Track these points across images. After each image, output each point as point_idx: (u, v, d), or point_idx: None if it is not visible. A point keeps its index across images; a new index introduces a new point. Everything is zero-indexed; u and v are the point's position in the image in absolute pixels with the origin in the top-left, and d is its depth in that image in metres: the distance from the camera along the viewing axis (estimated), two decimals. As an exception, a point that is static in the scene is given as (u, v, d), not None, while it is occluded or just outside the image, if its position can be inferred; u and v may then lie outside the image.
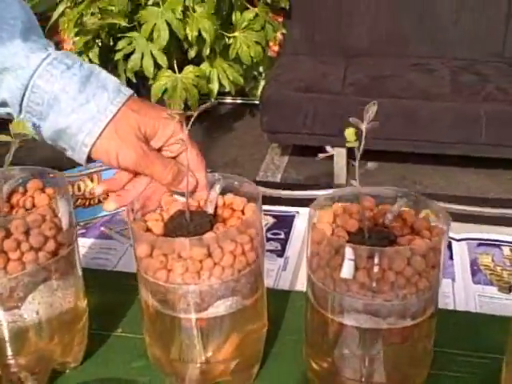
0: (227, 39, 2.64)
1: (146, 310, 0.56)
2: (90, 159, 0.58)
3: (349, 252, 0.48)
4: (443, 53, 2.65)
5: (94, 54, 2.58)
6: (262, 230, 0.55)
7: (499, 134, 2.28)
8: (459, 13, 2.61)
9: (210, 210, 0.56)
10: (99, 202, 0.94)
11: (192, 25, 2.40)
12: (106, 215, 0.92)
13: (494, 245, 0.82)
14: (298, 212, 0.91)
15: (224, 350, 0.56)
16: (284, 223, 0.88)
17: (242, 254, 0.52)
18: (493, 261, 0.79)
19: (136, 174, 0.59)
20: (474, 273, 0.77)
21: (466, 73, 2.47)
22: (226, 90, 2.67)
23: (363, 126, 0.48)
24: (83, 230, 0.89)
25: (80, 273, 0.60)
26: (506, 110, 2.24)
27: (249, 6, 2.64)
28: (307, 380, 0.59)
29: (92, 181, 0.96)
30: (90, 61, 2.56)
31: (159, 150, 0.59)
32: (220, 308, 0.53)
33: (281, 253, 0.82)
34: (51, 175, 0.58)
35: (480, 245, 0.83)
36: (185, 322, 0.54)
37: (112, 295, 0.73)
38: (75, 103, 0.55)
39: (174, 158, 0.59)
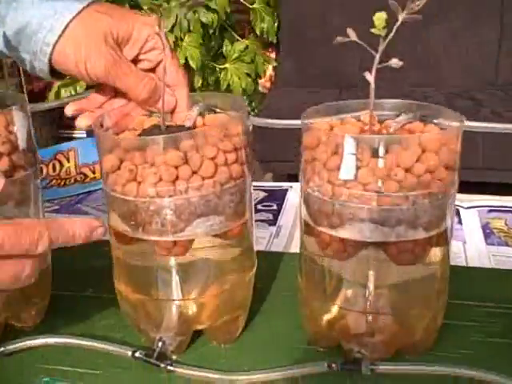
0: (218, 71, 2.63)
1: (116, 242, 0.49)
2: (55, 74, 0.51)
3: (349, 144, 0.41)
4: (437, 81, 2.63)
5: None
6: (248, 146, 0.48)
7: (497, 158, 2.23)
8: (451, 41, 2.60)
9: (189, 125, 0.49)
10: (75, 181, 0.87)
11: (180, 53, 2.38)
12: (81, 193, 0.84)
13: (506, 210, 0.75)
14: (291, 187, 0.84)
15: (206, 285, 0.48)
16: (276, 196, 0.81)
17: (224, 164, 0.45)
18: (506, 224, 0.72)
19: (114, 94, 0.53)
20: (486, 236, 0.70)
21: (461, 99, 2.44)
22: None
23: (401, 15, 0.41)
24: (57, 207, 0.81)
25: (41, 214, 0.52)
26: (502, 133, 2.20)
27: (239, 38, 2.63)
28: (301, 332, 0.51)
29: (68, 161, 0.89)
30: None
31: (135, 61, 0.52)
32: (199, 228, 0.45)
33: (273, 222, 0.75)
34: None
35: (491, 211, 0.75)
36: (159, 248, 0.46)
37: (84, 260, 0.65)
38: None
39: (152, 71, 0.52)
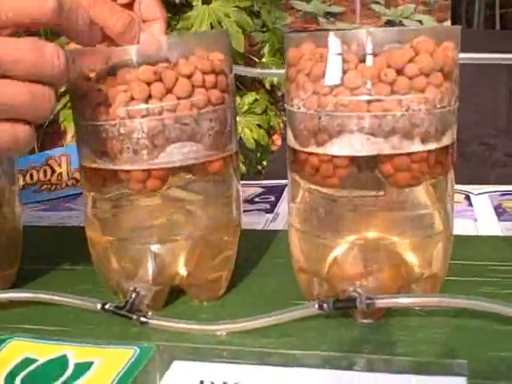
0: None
1: (87, 182, 0.45)
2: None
3: (334, 43, 0.37)
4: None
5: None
6: (230, 72, 0.44)
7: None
8: (463, 93, 2.61)
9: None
10: (66, 186, 0.84)
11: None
12: (70, 195, 0.81)
13: (519, 194, 0.70)
14: (290, 183, 0.80)
15: (183, 228, 0.44)
16: (274, 190, 0.77)
17: (202, 85, 0.41)
18: (520, 204, 0.67)
19: None
20: (499, 214, 0.65)
21: (473, 144, 2.42)
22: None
23: None
24: (45, 207, 0.78)
25: (11, 162, 0.49)
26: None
27: (247, 92, 2.65)
28: (293, 289, 0.46)
29: (60, 166, 0.86)
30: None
31: None
32: (174, 155, 0.41)
33: (270, 210, 0.70)
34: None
35: (503, 194, 0.70)
36: (132, 183, 0.42)
37: (61, 238, 0.61)
38: None
39: (129, 7, 0.49)
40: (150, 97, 0.40)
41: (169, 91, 0.40)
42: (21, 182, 0.83)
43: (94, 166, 0.43)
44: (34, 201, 0.80)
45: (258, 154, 2.85)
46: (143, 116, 0.40)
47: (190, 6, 2.01)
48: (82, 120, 0.42)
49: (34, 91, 0.36)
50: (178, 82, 0.40)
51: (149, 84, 0.40)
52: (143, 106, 0.40)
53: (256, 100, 2.63)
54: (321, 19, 2.88)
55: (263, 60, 2.58)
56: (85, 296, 0.45)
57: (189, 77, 0.41)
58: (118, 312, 0.43)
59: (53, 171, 0.85)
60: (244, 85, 2.58)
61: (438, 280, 0.43)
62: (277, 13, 2.49)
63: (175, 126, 0.40)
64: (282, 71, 0.44)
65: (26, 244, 0.53)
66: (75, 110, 0.43)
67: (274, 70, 0.55)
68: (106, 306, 0.43)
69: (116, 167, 0.41)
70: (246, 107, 2.63)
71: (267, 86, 2.67)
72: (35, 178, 0.85)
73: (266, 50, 2.53)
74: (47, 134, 2.98)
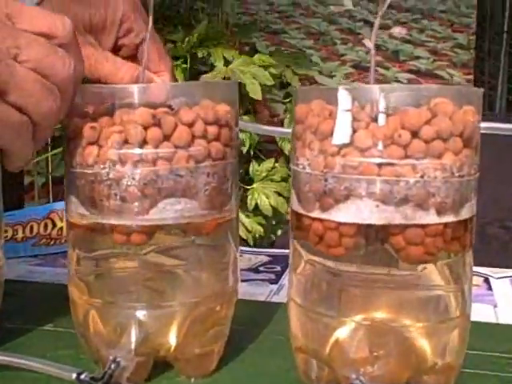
0: (245, 192, 2.61)
1: (72, 237, 0.41)
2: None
3: (343, 98, 0.34)
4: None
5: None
6: (235, 125, 0.41)
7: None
8: (484, 166, 2.58)
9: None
10: (66, 241, 0.80)
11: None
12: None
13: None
14: (298, 253, 0.76)
15: (172, 292, 0.40)
16: (281, 260, 0.73)
17: (202, 136, 0.38)
18: (544, 291, 0.62)
19: None
20: (521, 300, 0.60)
21: (492, 227, 2.36)
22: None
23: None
24: (40, 261, 0.74)
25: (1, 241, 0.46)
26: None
27: (264, 158, 2.63)
28: (291, 373, 0.41)
29: (62, 220, 0.83)
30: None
31: (115, 50, 0.47)
32: (166, 212, 0.38)
33: (274, 281, 0.66)
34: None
35: (525, 279, 0.66)
36: (117, 234, 0.38)
37: (48, 297, 0.57)
38: None
39: (133, 59, 0.47)
40: (145, 142, 0.37)
41: (166, 138, 0.37)
42: (20, 235, 0.80)
43: (80, 218, 0.39)
44: (31, 255, 0.77)
45: (274, 222, 2.82)
46: (136, 162, 0.37)
47: (212, 67, 2.03)
48: (70, 165, 0.39)
49: (44, 83, 0.35)
50: (177, 130, 0.37)
51: (146, 128, 0.37)
52: (137, 150, 0.37)
53: (274, 167, 2.62)
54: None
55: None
56: (63, 362, 0.41)
57: (189, 125, 0.38)
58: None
59: (54, 225, 0.82)
60: (262, 152, 2.57)
61: (453, 372, 0.38)
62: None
63: (169, 176, 0.37)
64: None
65: (12, 300, 0.49)
66: (66, 153, 0.40)
67: (282, 129, 0.52)
68: (82, 376, 0.39)
69: (104, 221, 0.38)
70: (264, 174, 2.61)
71: (286, 153, 2.66)
72: (35, 230, 0.81)
73: (286, 120, 2.54)
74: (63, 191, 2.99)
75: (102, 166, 0.37)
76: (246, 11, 2.73)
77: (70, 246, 0.42)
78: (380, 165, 0.34)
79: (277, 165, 2.66)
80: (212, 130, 0.38)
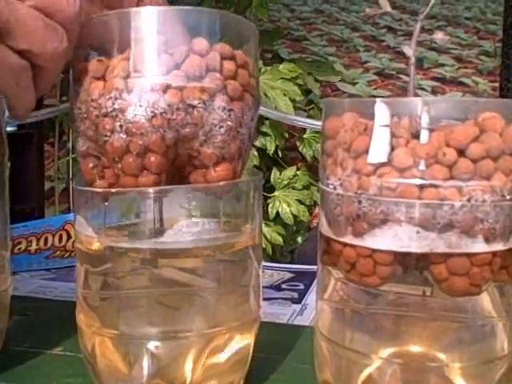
0: (266, 201, 2.58)
1: (80, 260, 0.38)
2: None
3: (381, 112, 0.31)
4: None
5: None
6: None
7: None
8: None
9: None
10: (81, 254, 0.78)
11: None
12: (85, 264, 0.74)
13: None
14: (323, 270, 0.72)
15: (189, 320, 0.36)
16: (304, 277, 0.69)
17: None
18: None
19: None
20: None
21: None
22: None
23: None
24: (53, 276, 0.72)
25: (4, 223, 0.43)
26: None
27: (286, 166, 2.60)
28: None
29: (78, 232, 0.80)
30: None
31: None
32: (184, 234, 0.34)
33: (297, 300, 0.62)
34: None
35: None
36: (133, 262, 0.35)
37: (59, 317, 0.54)
38: None
39: None
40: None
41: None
42: (34, 246, 0.78)
43: (87, 237, 0.36)
44: (45, 268, 0.74)
45: (294, 228, 2.77)
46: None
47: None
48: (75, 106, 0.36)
49: (48, 22, 0.33)
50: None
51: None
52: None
53: (295, 175, 2.58)
54: (365, 101, 2.85)
55: (304, 136, 2.55)
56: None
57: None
58: (100, 419, 0.35)
59: (69, 237, 0.80)
60: (284, 160, 2.54)
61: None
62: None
63: (180, 106, 0.33)
64: (317, 122, 0.37)
65: (21, 320, 0.47)
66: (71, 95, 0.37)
67: (309, 120, 0.49)
68: (88, 410, 0.36)
69: (117, 245, 0.35)
70: (285, 182, 2.58)
71: (308, 159, 2.63)
72: (49, 242, 0.79)
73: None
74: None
75: (107, 97, 0.34)
76: (268, 18, 2.70)
77: (78, 264, 0.38)
78: (421, 186, 0.30)
79: (298, 172, 2.62)
80: (228, 65, 0.35)
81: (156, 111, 0.33)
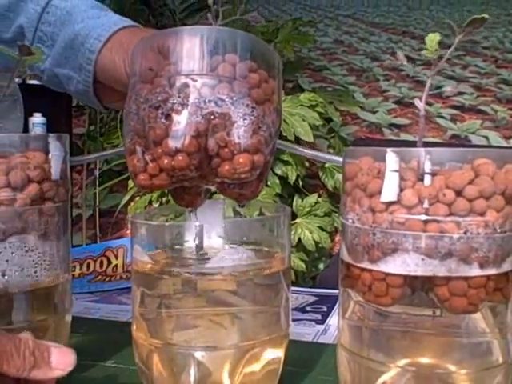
0: (288, 226, 2.62)
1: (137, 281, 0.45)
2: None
3: (392, 159, 0.37)
4: None
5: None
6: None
7: None
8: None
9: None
10: (121, 278, 0.84)
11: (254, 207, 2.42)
12: (125, 288, 0.81)
13: None
14: (344, 293, 0.78)
15: (229, 332, 0.43)
16: (327, 300, 0.75)
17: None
18: None
19: None
20: None
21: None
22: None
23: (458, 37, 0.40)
24: (97, 298, 0.78)
25: (64, 251, 0.49)
26: None
27: (307, 193, 2.65)
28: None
29: (117, 258, 0.87)
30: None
31: None
32: (226, 261, 0.41)
33: (321, 321, 0.68)
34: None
35: None
36: (183, 283, 0.42)
37: (108, 333, 0.61)
38: (86, 15, 0.51)
39: None
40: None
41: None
42: (77, 271, 0.85)
43: (144, 264, 0.43)
44: (88, 291, 0.81)
45: (316, 255, 2.82)
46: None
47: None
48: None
49: None
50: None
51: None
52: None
53: (317, 202, 2.64)
54: (385, 130, 2.91)
55: (326, 165, 2.61)
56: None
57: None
58: (154, 420, 0.41)
59: (109, 262, 0.87)
60: (305, 187, 2.60)
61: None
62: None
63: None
64: (336, 158, 0.44)
65: (73, 336, 0.53)
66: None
67: (330, 156, 0.54)
68: (143, 413, 0.42)
69: (165, 271, 0.41)
70: (307, 209, 2.63)
71: (330, 188, 2.69)
72: (91, 267, 0.86)
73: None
74: (109, 223, 3.06)
75: (153, 92, 0.40)
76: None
77: (135, 286, 0.45)
78: (425, 221, 0.36)
79: (320, 200, 2.67)
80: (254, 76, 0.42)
81: (191, 101, 0.40)
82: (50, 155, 0.46)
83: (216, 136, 0.40)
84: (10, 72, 0.47)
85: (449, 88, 0.50)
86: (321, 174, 2.59)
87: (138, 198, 2.73)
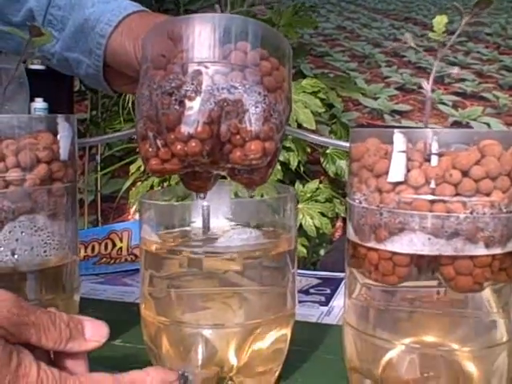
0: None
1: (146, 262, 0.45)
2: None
3: (399, 140, 0.37)
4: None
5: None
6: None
7: None
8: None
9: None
10: (125, 261, 0.85)
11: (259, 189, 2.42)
12: (130, 270, 0.82)
13: None
14: (347, 276, 0.79)
15: (237, 311, 0.43)
16: (330, 282, 0.76)
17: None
18: None
19: None
20: None
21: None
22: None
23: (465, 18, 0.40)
24: (102, 280, 0.79)
25: (73, 232, 0.50)
26: None
27: (308, 179, 2.65)
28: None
29: (121, 241, 0.88)
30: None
31: None
32: (234, 240, 0.41)
33: (325, 303, 0.69)
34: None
35: None
36: (191, 262, 0.42)
37: (115, 313, 0.62)
38: None
39: None
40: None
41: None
42: (82, 253, 0.85)
43: (153, 244, 0.43)
44: (93, 273, 0.81)
45: (317, 241, 2.83)
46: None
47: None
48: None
49: None
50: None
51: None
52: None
53: (318, 188, 2.64)
54: (386, 116, 2.91)
55: (327, 151, 2.61)
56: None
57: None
58: (163, 396, 0.42)
59: (114, 245, 0.87)
60: (306, 173, 2.60)
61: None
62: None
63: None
64: (344, 144, 0.44)
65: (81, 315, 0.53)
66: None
67: (337, 141, 0.55)
68: (154, 389, 0.42)
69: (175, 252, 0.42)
70: (308, 195, 2.64)
71: (331, 174, 2.69)
72: (96, 250, 0.87)
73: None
74: (111, 208, 3.06)
75: (167, 79, 0.41)
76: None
77: (143, 265, 0.45)
78: (432, 201, 0.37)
79: (321, 186, 2.68)
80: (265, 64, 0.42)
81: (204, 88, 0.40)
82: (58, 136, 0.47)
83: (228, 123, 0.40)
84: (20, 55, 0.47)
85: (455, 70, 0.50)
86: (322, 160, 2.59)
87: (139, 183, 2.74)
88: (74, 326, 0.36)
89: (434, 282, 0.39)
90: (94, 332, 0.37)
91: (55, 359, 0.37)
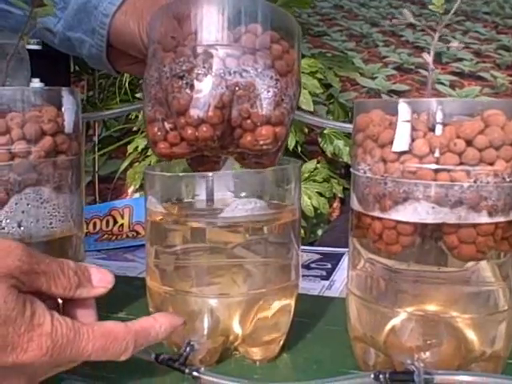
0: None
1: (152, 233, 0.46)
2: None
3: (403, 110, 0.38)
4: None
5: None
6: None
7: None
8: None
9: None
10: (127, 237, 0.86)
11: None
12: (131, 246, 0.82)
13: None
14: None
15: (242, 283, 0.44)
16: (331, 257, 0.77)
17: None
18: None
19: None
20: None
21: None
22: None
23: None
24: (104, 255, 0.79)
25: (78, 206, 0.50)
26: None
27: (306, 159, 2.65)
28: (347, 358, 0.45)
29: (122, 217, 0.88)
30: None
31: None
32: (240, 211, 0.42)
33: (326, 277, 0.70)
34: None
35: None
36: (196, 232, 0.43)
37: (119, 287, 0.62)
38: None
39: None
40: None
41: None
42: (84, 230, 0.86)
43: (158, 213, 0.44)
44: (95, 249, 0.82)
45: (314, 221, 2.83)
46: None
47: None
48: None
49: None
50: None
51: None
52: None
53: (316, 168, 2.64)
54: (384, 96, 2.90)
55: (325, 131, 2.61)
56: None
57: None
58: (171, 364, 0.43)
59: (115, 222, 0.88)
60: (304, 153, 2.60)
61: (501, 361, 0.41)
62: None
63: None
64: (345, 125, 0.44)
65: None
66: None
67: (340, 123, 0.55)
68: (160, 358, 0.43)
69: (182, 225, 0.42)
70: (306, 175, 2.64)
71: (328, 154, 2.68)
72: (98, 227, 0.87)
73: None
74: (108, 189, 3.07)
75: (177, 61, 0.41)
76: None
77: (148, 237, 0.46)
78: (436, 170, 0.37)
79: (319, 166, 2.68)
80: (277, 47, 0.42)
81: (215, 72, 0.40)
82: (62, 109, 0.47)
83: (239, 107, 0.40)
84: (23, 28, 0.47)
85: (455, 43, 0.50)
86: (320, 140, 2.59)
87: (136, 163, 2.73)
88: (81, 274, 0.37)
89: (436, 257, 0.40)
90: (101, 278, 0.38)
91: (65, 310, 0.38)
